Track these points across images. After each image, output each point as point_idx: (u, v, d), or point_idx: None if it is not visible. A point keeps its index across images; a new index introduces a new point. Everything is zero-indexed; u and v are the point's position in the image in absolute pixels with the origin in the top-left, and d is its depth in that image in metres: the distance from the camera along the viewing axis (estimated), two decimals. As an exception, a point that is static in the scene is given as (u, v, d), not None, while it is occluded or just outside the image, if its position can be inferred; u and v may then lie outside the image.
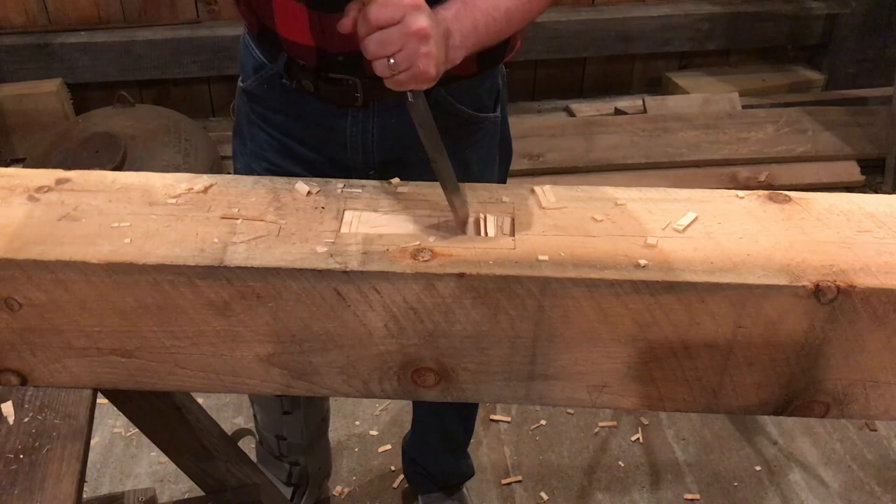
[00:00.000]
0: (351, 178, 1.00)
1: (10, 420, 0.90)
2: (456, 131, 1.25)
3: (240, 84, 1.31)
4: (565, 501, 1.95)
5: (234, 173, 1.38)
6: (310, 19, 1.10)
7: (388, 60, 0.88)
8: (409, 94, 0.91)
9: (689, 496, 1.96)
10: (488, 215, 0.93)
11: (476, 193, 0.97)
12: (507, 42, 1.22)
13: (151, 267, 0.84)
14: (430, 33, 0.89)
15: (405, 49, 0.87)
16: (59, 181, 0.97)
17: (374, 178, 1.01)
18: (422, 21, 0.88)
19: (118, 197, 0.94)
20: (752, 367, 0.88)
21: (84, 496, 0.96)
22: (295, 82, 1.20)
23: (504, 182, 1.43)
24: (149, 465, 2.00)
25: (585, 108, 3.47)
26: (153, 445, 1.28)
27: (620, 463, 2.04)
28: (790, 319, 0.84)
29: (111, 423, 2.10)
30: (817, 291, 0.82)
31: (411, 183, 0.99)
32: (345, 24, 0.92)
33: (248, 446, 1.68)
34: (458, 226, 0.91)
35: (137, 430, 1.24)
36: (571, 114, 3.46)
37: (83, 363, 0.92)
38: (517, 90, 3.50)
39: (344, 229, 0.90)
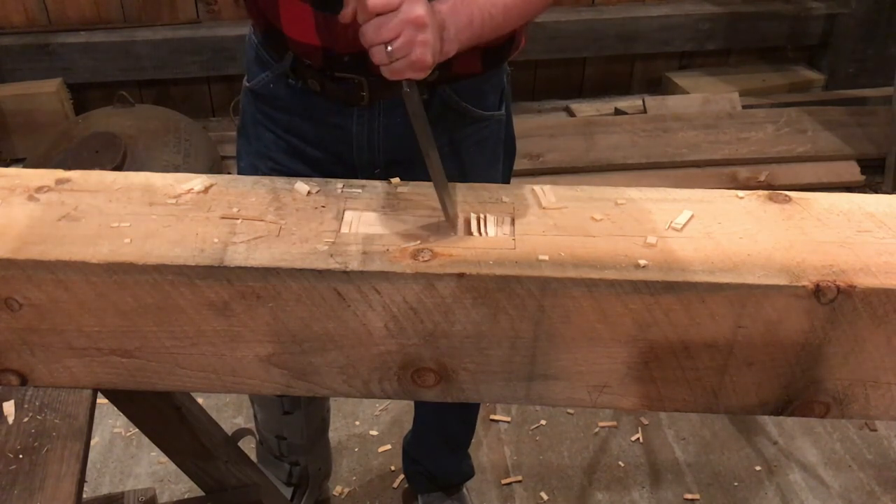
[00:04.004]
0: (356, 177, 1.01)
1: (10, 420, 0.90)
2: (462, 130, 1.26)
3: (245, 84, 1.31)
4: (565, 501, 1.95)
5: (238, 173, 1.38)
6: (316, 19, 1.10)
7: (386, 47, 0.89)
8: (404, 84, 0.92)
9: (689, 496, 1.95)
10: (488, 215, 0.93)
11: (476, 193, 0.97)
12: (512, 40, 1.22)
13: (151, 267, 0.84)
14: (427, 21, 0.90)
15: (402, 36, 0.89)
16: (59, 181, 0.97)
17: (379, 176, 1.01)
18: (419, 9, 0.89)
19: (118, 197, 0.94)
20: (752, 367, 0.88)
21: (84, 496, 0.96)
22: (301, 82, 1.20)
23: (508, 180, 1.43)
24: (149, 465, 2.00)
25: (585, 108, 3.47)
26: (153, 445, 1.28)
27: (620, 463, 2.04)
28: (790, 319, 0.84)
29: (111, 423, 2.10)
30: (817, 291, 0.82)
31: (411, 183, 0.99)
32: (345, 14, 0.93)
33: (249, 446, 1.68)
34: (449, 223, 0.91)
35: (137, 430, 1.24)
36: (571, 114, 3.46)
37: (83, 363, 0.92)
38: (517, 90, 3.49)
39: (344, 229, 0.90)
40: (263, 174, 1.17)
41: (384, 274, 0.84)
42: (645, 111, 3.30)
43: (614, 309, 0.84)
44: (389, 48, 0.89)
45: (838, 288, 0.82)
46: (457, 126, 1.25)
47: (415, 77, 0.92)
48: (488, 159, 1.33)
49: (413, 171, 1.01)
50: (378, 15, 0.88)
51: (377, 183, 0.99)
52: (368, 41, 0.90)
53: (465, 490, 1.90)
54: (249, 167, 1.35)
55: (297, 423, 1.69)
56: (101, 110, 2.86)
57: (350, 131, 1.23)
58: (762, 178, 3.03)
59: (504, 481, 1.99)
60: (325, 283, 0.84)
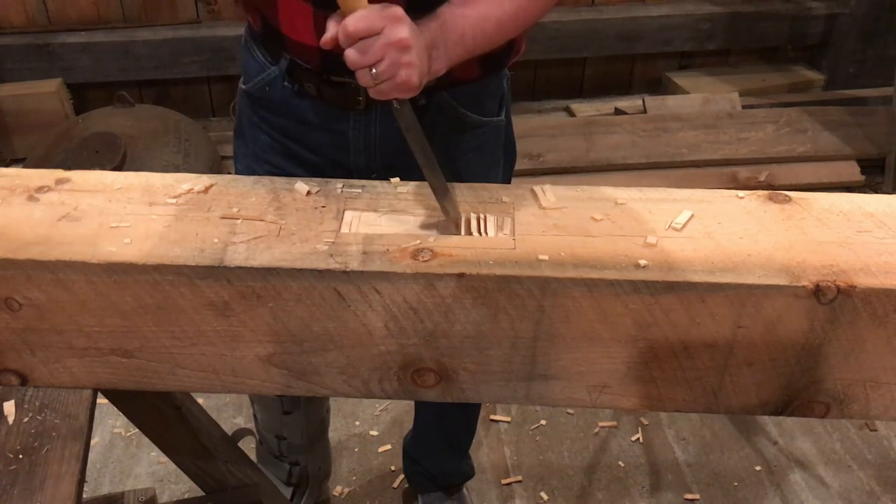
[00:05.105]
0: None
1: (10, 420, 0.90)
2: (460, 135, 1.25)
3: (241, 86, 1.31)
4: (565, 501, 1.95)
5: (235, 174, 1.38)
6: (315, 19, 1.10)
7: (371, 70, 0.89)
8: (394, 101, 0.93)
9: (689, 496, 1.95)
10: (488, 215, 0.93)
11: (476, 193, 0.97)
12: (511, 47, 1.22)
13: (151, 267, 0.84)
14: (411, 43, 0.90)
15: (387, 59, 0.89)
16: (59, 181, 0.97)
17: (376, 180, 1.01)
18: (402, 31, 0.89)
19: (118, 197, 0.94)
20: (752, 367, 0.88)
21: (84, 496, 0.96)
22: (297, 85, 1.20)
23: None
24: (149, 465, 2.00)
25: (585, 108, 3.47)
26: (153, 445, 1.28)
27: (620, 463, 2.04)
28: (790, 319, 0.84)
29: (111, 423, 2.10)
30: (817, 291, 0.82)
31: (411, 183, 0.99)
32: (326, 41, 0.92)
33: (248, 446, 1.68)
34: (451, 228, 0.91)
35: (137, 430, 1.24)
36: (571, 114, 3.46)
37: (83, 363, 0.92)
38: (517, 90, 3.50)
39: (344, 229, 0.90)
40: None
41: (384, 274, 0.84)
42: (645, 111, 3.30)
43: (614, 309, 0.84)
44: (374, 71, 0.89)
45: (838, 288, 0.82)
46: (454, 132, 1.24)
47: (402, 97, 0.92)
48: (486, 163, 1.33)
49: (410, 175, 1.01)
50: (361, 38, 0.88)
51: (377, 183, 0.99)
52: (352, 64, 0.90)
53: (465, 490, 1.90)
54: (246, 170, 1.34)
55: (297, 423, 1.69)
56: (101, 110, 2.86)
57: (346, 136, 1.22)
58: (762, 178, 3.03)
59: (504, 481, 1.99)
60: (325, 283, 0.84)
